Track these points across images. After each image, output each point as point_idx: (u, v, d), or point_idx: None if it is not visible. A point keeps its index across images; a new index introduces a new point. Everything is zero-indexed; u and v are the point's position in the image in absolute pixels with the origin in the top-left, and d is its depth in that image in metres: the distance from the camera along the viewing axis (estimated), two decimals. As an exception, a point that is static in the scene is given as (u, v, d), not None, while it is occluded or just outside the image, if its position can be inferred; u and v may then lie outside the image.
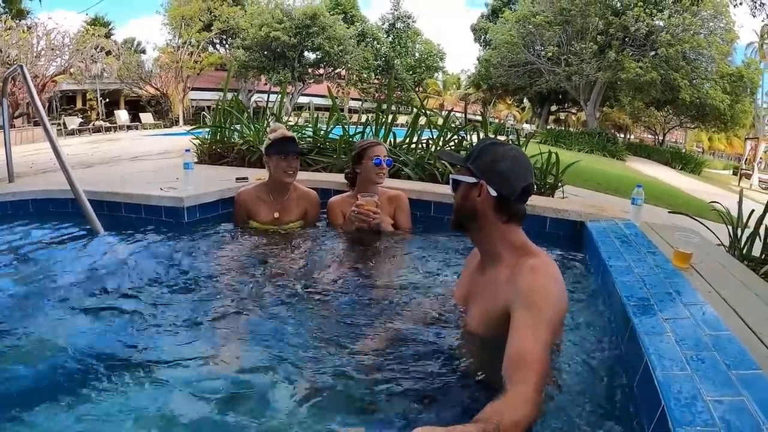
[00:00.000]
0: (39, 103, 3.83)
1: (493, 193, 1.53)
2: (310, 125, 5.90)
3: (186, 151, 4.03)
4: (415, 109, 5.63)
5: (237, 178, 4.07)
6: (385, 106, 5.57)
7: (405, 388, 1.44)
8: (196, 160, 5.80)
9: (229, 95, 6.65)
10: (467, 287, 1.73)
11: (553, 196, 4.30)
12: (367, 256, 2.71)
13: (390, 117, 5.42)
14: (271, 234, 3.04)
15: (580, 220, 3.13)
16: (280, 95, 6.72)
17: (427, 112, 5.54)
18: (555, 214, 3.23)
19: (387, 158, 2.93)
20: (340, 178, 3.45)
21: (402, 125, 6.96)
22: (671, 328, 1.46)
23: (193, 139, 6.12)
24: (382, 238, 2.87)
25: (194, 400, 1.43)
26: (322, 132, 5.61)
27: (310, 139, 5.60)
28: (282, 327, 1.85)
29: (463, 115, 5.78)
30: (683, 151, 35.09)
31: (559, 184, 4.43)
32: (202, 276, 2.42)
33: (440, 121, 5.34)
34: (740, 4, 11.64)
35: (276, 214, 3.11)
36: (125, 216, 3.58)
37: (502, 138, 4.75)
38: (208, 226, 3.34)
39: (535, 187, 2.00)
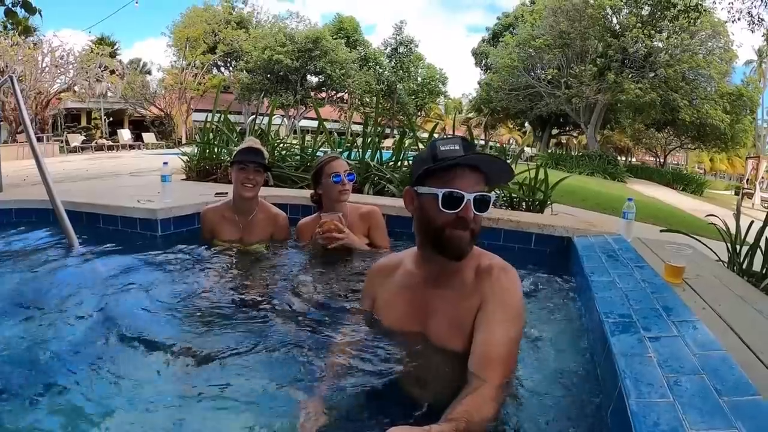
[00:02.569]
0: (26, 113, 3.82)
1: None
2: (296, 145, 6.03)
3: (164, 164, 3.92)
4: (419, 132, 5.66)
5: (216, 193, 3.98)
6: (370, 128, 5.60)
7: (373, 413, 1.35)
8: (183, 176, 5.79)
9: (231, 117, 6.69)
10: (416, 304, 1.53)
11: (542, 213, 4.18)
12: (334, 277, 2.51)
13: (377, 138, 5.45)
14: (237, 252, 2.88)
15: (567, 235, 2.97)
16: (281, 117, 6.79)
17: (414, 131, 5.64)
18: (540, 230, 3.09)
19: (348, 173, 2.73)
20: None
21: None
22: (654, 348, 1.28)
23: (182, 156, 6.17)
24: (353, 258, 2.68)
25: (149, 412, 1.38)
26: (309, 151, 5.66)
27: (298, 158, 5.63)
28: (241, 347, 1.73)
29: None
30: (684, 172, 34.97)
31: (548, 201, 4.31)
32: (167, 292, 2.34)
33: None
34: (738, 20, 11.61)
35: (240, 234, 2.95)
36: (103, 227, 3.55)
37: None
38: (181, 240, 3.22)
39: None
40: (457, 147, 1.37)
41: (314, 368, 1.57)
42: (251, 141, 2.97)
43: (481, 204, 1.38)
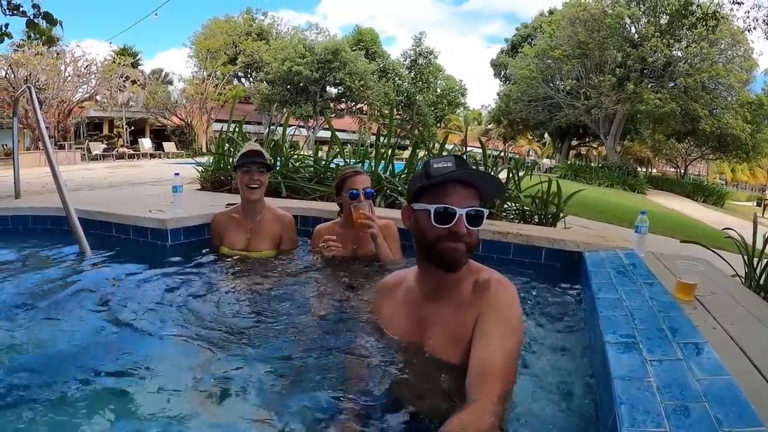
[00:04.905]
0: (42, 123, 3.91)
1: None
2: (310, 156, 6.02)
3: (175, 174, 3.96)
4: (436, 145, 5.62)
5: (228, 204, 3.97)
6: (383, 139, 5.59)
7: (373, 423, 1.34)
8: (198, 187, 5.84)
9: (251, 127, 6.72)
10: (415, 318, 1.56)
11: (555, 226, 4.10)
12: (346, 286, 2.54)
13: (391, 149, 5.44)
14: (246, 260, 2.92)
15: (577, 250, 2.90)
16: (297, 128, 6.82)
17: (427, 144, 5.55)
18: (551, 245, 3.01)
19: (366, 189, 2.77)
20: (332, 206, 3.42)
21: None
22: (654, 372, 1.23)
23: (197, 166, 6.24)
24: (362, 268, 2.72)
25: (156, 420, 1.40)
26: (323, 162, 5.66)
27: (311, 169, 5.65)
28: (245, 357, 1.77)
29: (467, 148, 5.65)
30: (705, 183, 34.34)
31: (561, 215, 4.24)
32: (176, 301, 2.36)
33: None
34: (754, 29, 11.38)
35: (248, 236, 3.01)
36: (115, 236, 3.62)
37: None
38: (190, 250, 3.27)
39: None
40: (449, 164, 1.41)
41: (317, 379, 1.58)
42: (251, 145, 3.07)
43: (474, 219, 1.41)
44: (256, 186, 2.92)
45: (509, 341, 1.33)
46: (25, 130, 20.71)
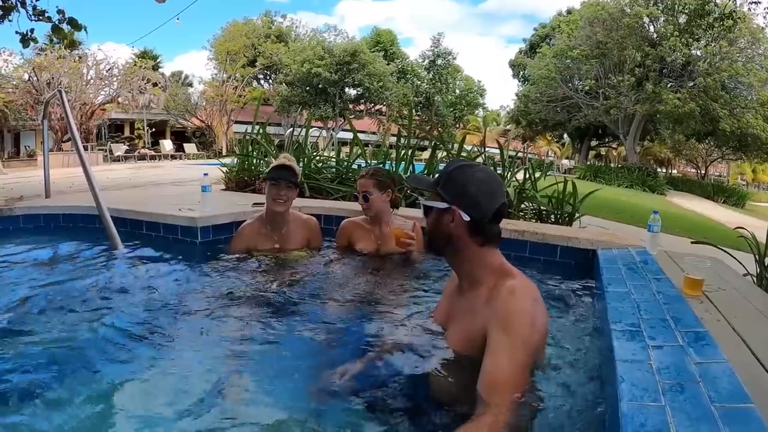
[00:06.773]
0: (74, 125, 4.11)
1: (466, 217, 1.52)
2: (332, 158, 6.17)
3: (204, 174, 4.12)
4: (455, 146, 5.71)
5: (254, 203, 4.11)
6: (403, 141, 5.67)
7: (386, 408, 1.45)
8: (223, 187, 6.01)
9: (271, 129, 6.87)
10: (447, 309, 1.69)
11: (570, 226, 4.17)
12: (370, 280, 2.68)
13: (411, 150, 5.52)
14: (274, 259, 3.01)
15: (591, 248, 2.99)
16: (318, 129, 6.95)
17: (446, 145, 5.64)
18: (566, 243, 3.10)
19: (364, 193, 2.91)
20: (354, 206, 3.51)
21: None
22: (655, 356, 1.33)
23: (222, 167, 6.41)
24: (386, 263, 2.85)
25: (187, 408, 1.46)
26: (345, 163, 5.81)
27: (334, 170, 5.78)
28: (270, 346, 1.89)
29: (485, 149, 5.74)
30: (726, 184, 33.78)
31: (576, 215, 4.31)
32: (207, 294, 2.48)
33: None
34: (774, 23, 11.20)
35: (276, 245, 3.07)
36: (146, 233, 3.77)
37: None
38: (219, 247, 3.39)
39: (507, 206, 1.96)
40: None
41: (336, 360, 1.69)
42: (284, 158, 3.09)
43: None
44: (282, 201, 2.97)
45: (517, 354, 1.32)
46: (48, 132, 21.21)
